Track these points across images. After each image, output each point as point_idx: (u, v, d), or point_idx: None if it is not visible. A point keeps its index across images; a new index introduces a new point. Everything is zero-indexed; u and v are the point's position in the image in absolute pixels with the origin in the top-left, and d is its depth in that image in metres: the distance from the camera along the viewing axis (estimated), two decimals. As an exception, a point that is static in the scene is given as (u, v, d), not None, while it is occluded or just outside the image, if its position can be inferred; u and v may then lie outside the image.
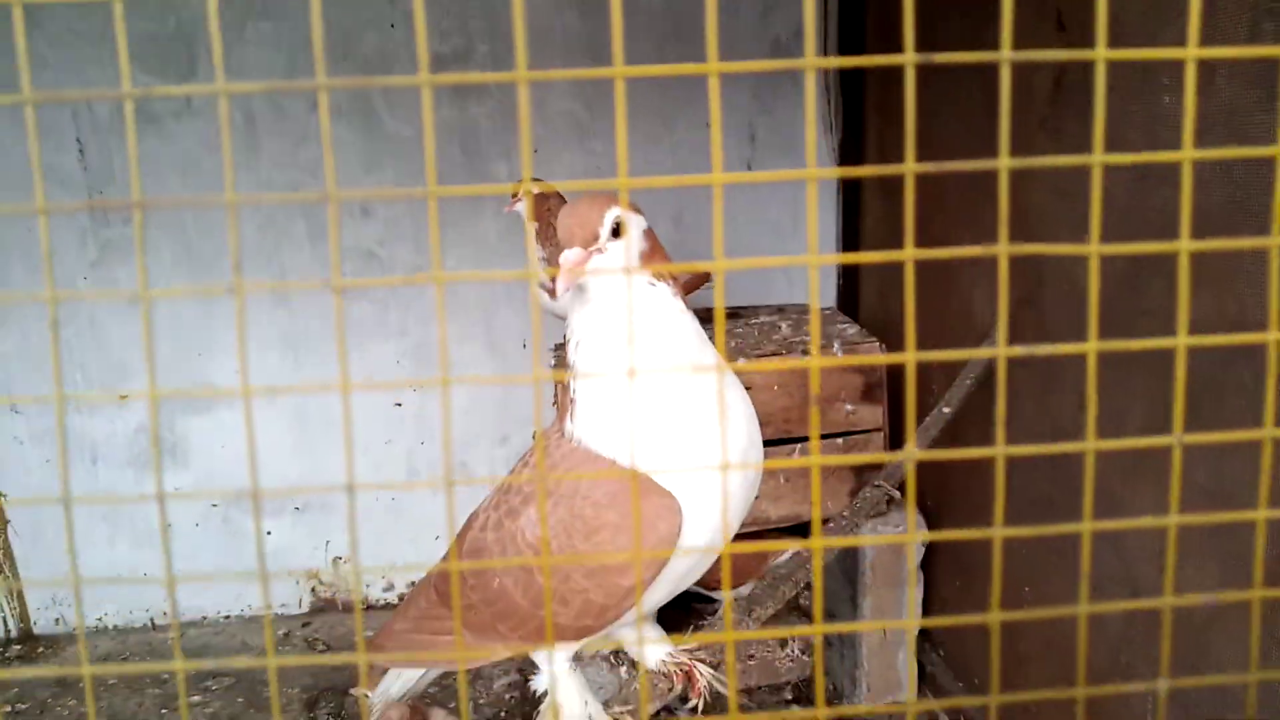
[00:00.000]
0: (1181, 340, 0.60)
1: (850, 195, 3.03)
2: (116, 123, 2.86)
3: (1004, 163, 0.57)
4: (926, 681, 2.58)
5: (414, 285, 3.07)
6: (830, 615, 2.70)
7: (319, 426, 3.08)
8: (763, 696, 2.64)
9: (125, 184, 2.90)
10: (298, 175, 2.94)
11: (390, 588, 3.18)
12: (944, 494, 2.50)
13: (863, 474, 2.42)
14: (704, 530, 0.98)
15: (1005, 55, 0.56)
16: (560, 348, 2.62)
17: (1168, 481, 1.58)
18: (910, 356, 0.60)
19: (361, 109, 2.92)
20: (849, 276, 3.08)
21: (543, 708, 1.09)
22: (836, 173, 0.65)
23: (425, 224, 3.03)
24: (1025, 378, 1.99)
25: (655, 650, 1.17)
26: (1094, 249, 0.58)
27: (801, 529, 2.47)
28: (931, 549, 2.46)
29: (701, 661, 1.14)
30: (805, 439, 2.36)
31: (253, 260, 2.97)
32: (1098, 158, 0.57)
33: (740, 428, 1.02)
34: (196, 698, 2.72)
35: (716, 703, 1.15)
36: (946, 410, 1.84)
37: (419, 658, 1.17)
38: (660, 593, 1.04)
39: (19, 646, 3.07)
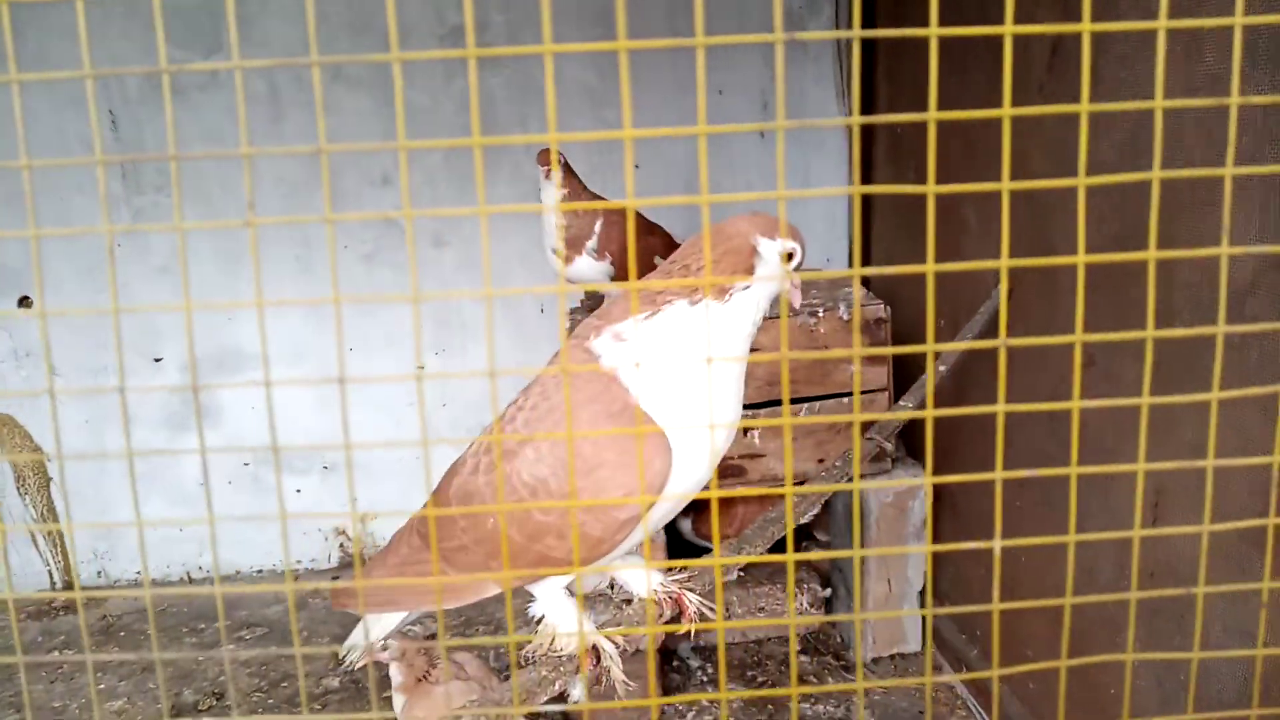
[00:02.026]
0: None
1: (864, 164, 3.09)
2: (146, 94, 2.95)
3: (1006, 111, 0.67)
4: (931, 635, 2.67)
5: (439, 245, 3.15)
6: (837, 569, 2.79)
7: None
8: (772, 648, 2.74)
9: (156, 151, 3.00)
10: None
11: (414, 544, 3.30)
12: (948, 452, 2.58)
13: (865, 432, 2.50)
14: (691, 470, 1.06)
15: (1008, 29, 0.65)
16: (575, 311, 2.70)
17: (1156, 435, 1.65)
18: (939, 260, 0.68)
19: (381, 81, 3.00)
20: (862, 243, 3.14)
21: (540, 629, 1.18)
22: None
23: (442, 193, 3.11)
24: (1026, 334, 2.05)
25: (647, 580, 1.25)
26: (1081, 181, 0.69)
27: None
28: (936, 507, 2.54)
29: (691, 591, 1.22)
30: (811, 399, 2.43)
31: (277, 227, 3.07)
32: (1084, 107, 0.67)
33: (731, 388, 1.11)
34: (231, 646, 2.86)
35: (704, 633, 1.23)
36: (942, 369, 1.90)
37: (407, 595, 1.24)
38: (650, 525, 1.12)
39: (63, 599, 3.22)
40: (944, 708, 2.46)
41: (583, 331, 1.14)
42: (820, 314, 2.43)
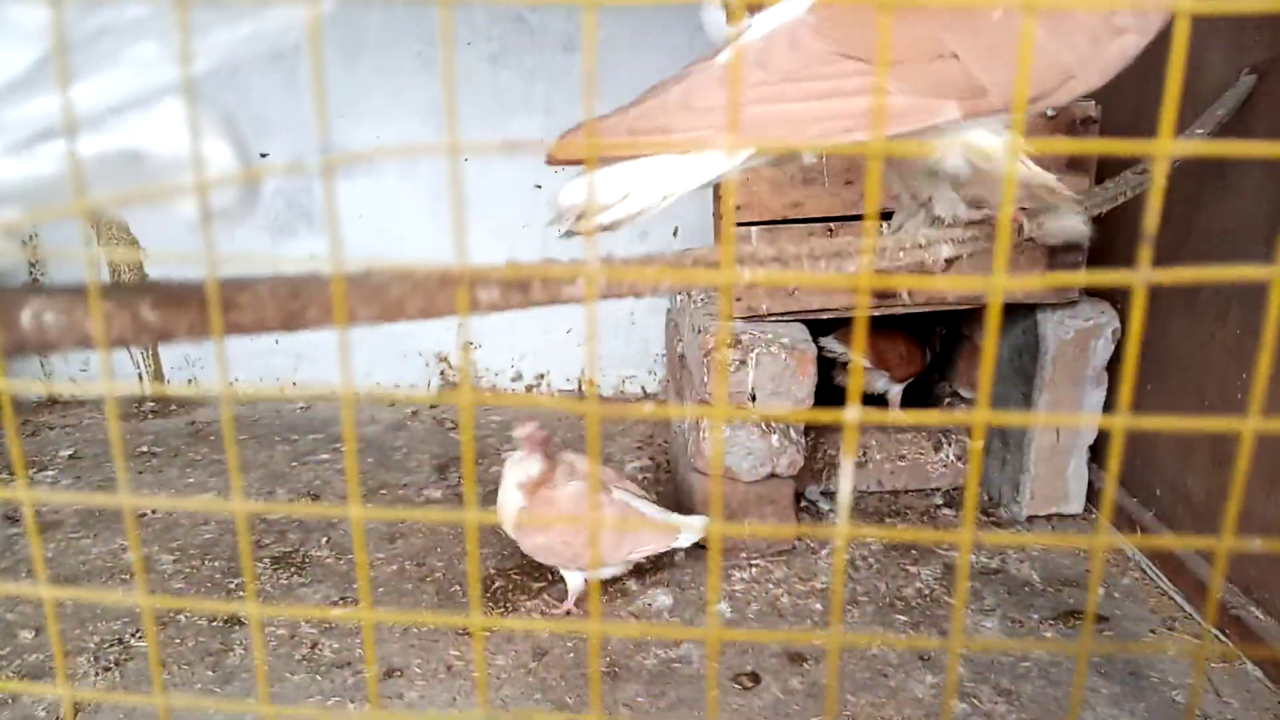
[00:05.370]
0: None
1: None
2: None
3: None
4: (1094, 498, 2.39)
5: (569, 50, 2.89)
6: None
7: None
8: (910, 500, 2.48)
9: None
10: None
11: (519, 377, 3.09)
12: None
13: (1055, 254, 2.21)
14: None
15: None
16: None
17: None
18: None
19: None
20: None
21: (958, 149, 0.90)
22: None
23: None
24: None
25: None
26: None
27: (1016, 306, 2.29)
28: (1121, 345, 2.24)
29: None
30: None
31: (401, 21, 2.84)
32: None
33: None
34: (327, 455, 2.69)
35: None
36: (1220, 113, 1.57)
37: (791, 121, 0.84)
38: None
39: (153, 403, 3.09)
40: (1114, 568, 2.18)
41: None
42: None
